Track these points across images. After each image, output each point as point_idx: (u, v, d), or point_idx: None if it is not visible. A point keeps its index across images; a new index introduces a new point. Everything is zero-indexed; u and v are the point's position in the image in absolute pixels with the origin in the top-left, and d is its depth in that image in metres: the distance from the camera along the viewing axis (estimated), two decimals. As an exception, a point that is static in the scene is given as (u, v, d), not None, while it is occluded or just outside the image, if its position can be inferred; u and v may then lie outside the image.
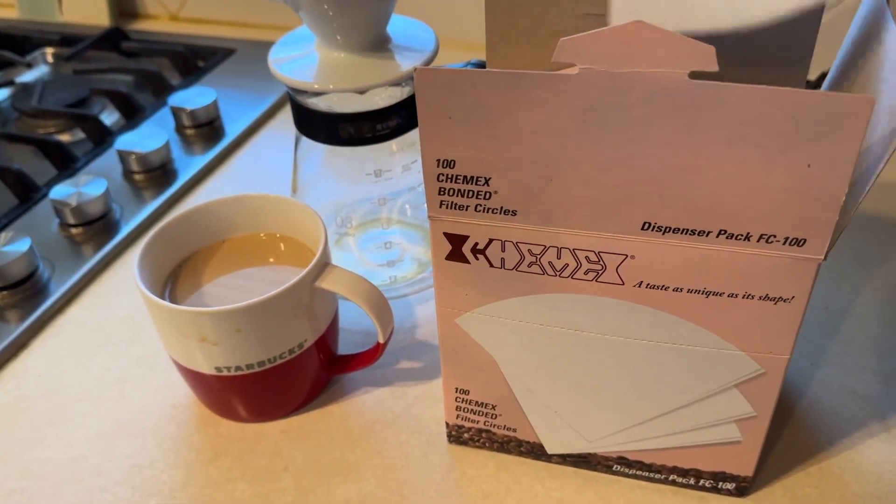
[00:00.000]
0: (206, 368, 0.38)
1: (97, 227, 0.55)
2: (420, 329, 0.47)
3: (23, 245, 0.50)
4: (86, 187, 0.55)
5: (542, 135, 0.27)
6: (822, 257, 0.28)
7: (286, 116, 0.69)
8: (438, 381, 0.43)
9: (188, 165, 0.61)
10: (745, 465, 0.36)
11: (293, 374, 0.40)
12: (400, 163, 0.46)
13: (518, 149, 0.28)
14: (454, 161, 0.29)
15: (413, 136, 0.46)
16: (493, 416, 0.38)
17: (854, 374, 0.42)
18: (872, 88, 0.30)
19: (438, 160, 0.29)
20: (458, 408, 0.38)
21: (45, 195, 0.58)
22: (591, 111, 0.26)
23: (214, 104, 0.65)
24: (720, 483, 0.37)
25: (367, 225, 0.50)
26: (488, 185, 0.29)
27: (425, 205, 0.50)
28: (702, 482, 0.37)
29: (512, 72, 0.26)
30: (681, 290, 0.30)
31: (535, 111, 0.26)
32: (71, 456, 0.41)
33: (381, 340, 0.40)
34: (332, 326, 0.42)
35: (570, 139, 0.27)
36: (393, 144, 0.46)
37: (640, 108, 0.26)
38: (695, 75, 0.25)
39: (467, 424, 0.39)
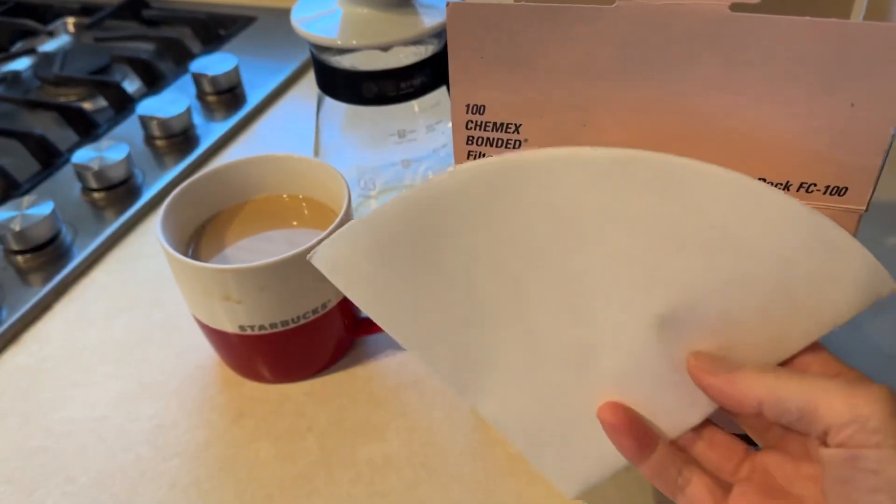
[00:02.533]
0: (230, 327, 0.38)
1: (119, 191, 0.55)
2: (444, 293, 0.46)
3: (45, 208, 0.50)
4: (108, 152, 0.55)
5: (578, 75, 0.26)
6: (864, 208, 0.27)
7: (307, 85, 0.68)
8: (463, 345, 0.43)
9: (210, 132, 0.60)
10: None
11: (316, 334, 0.39)
12: (424, 123, 0.45)
13: (552, 91, 0.27)
14: (484, 107, 0.28)
15: (436, 96, 0.45)
16: None
17: (888, 337, 0.41)
18: None
19: (468, 105, 0.28)
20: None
21: (67, 161, 0.58)
22: (629, 48, 0.25)
23: (236, 70, 0.64)
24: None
25: (390, 191, 0.49)
26: (518, 133, 0.28)
27: (447, 169, 0.49)
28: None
29: (550, 6, 0.25)
30: (717, 242, 0.29)
31: (572, 49, 0.25)
32: (94, 416, 0.41)
33: (406, 301, 0.40)
34: (356, 288, 0.41)
35: (606, 79, 0.26)
36: (415, 105, 0.45)
37: (681, 44, 0.25)
38: (736, 8, 0.24)
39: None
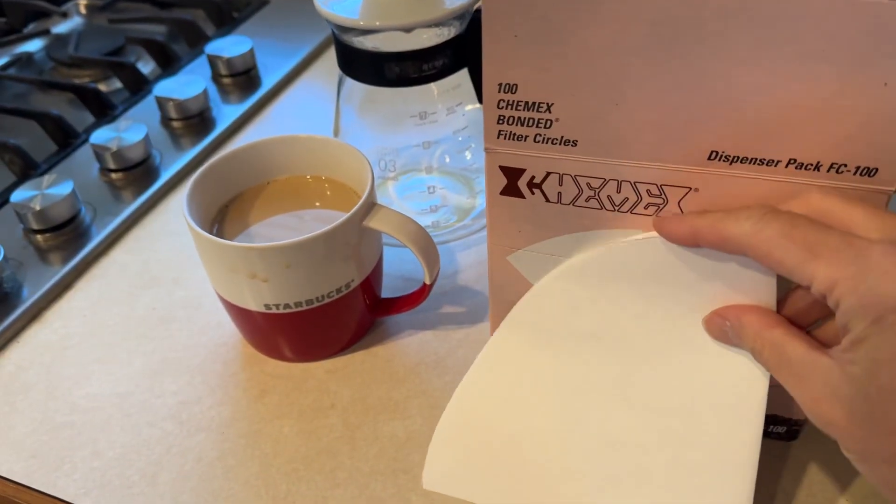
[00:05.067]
0: (255, 306, 0.38)
1: (137, 172, 0.55)
2: (462, 275, 0.47)
3: (65, 188, 0.50)
4: (126, 133, 0.55)
5: (610, 53, 0.26)
6: (894, 189, 0.27)
7: (322, 67, 0.68)
8: (482, 325, 0.43)
9: (226, 114, 0.61)
10: (797, 409, 0.35)
11: (340, 313, 0.40)
12: (444, 105, 0.46)
13: (584, 69, 0.27)
14: (516, 85, 0.28)
15: (457, 78, 0.45)
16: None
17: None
18: None
19: (500, 84, 0.28)
20: (505, 348, 0.38)
21: (85, 141, 0.58)
22: (661, 26, 0.25)
23: (251, 53, 0.65)
24: (771, 427, 0.36)
25: (408, 172, 0.50)
26: (550, 112, 0.28)
27: (465, 152, 0.50)
28: (752, 425, 0.37)
29: (583, -17, 0.25)
30: (744, 223, 0.29)
31: (605, 26, 0.26)
32: (118, 392, 0.41)
33: (428, 281, 0.40)
34: (378, 268, 0.41)
35: (638, 57, 0.26)
36: (435, 88, 0.46)
37: (713, 22, 0.25)
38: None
39: (514, 366, 0.39)
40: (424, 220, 0.48)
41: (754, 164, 0.28)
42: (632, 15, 0.25)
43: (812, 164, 0.27)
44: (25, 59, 0.73)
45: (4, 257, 0.47)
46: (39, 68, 0.72)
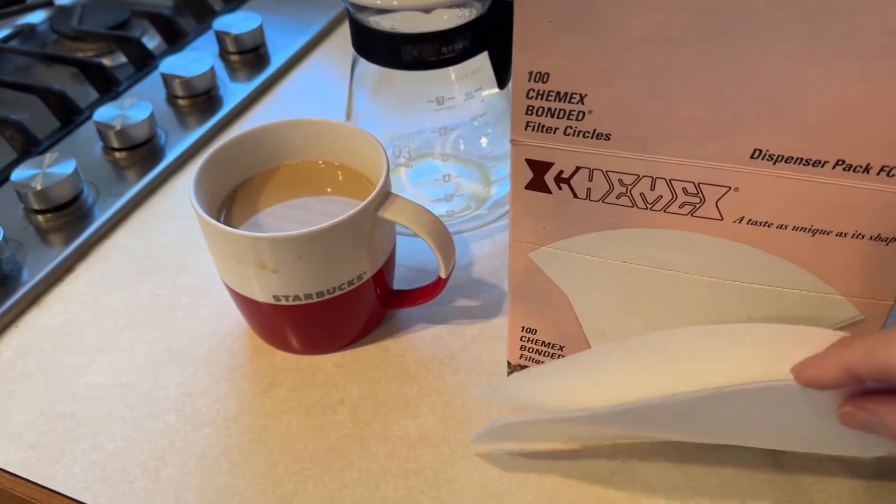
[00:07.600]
0: (263, 297, 0.36)
1: (142, 151, 0.53)
2: (477, 267, 0.45)
3: (67, 167, 0.49)
4: (130, 110, 0.53)
5: (653, 42, 0.24)
6: (947, 194, 0.26)
7: (333, 45, 0.66)
8: (497, 321, 0.42)
9: (233, 92, 0.59)
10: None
11: (351, 306, 0.38)
12: (462, 90, 0.44)
13: (622, 59, 0.25)
14: (548, 74, 0.26)
15: (475, 63, 0.43)
16: (560, 358, 0.36)
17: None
18: None
19: (531, 73, 0.26)
20: (522, 347, 0.37)
21: (88, 118, 0.56)
22: (709, 15, 0.23)
23: (260, 29, 0.62)
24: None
25: (421, 158, 0.48)
26: (583, 104, 0.27)
27: (482, 139, 0.48)
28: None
29: (628, -33, 0.23)
30: (785, 227, 0.28)
31: (648, 14, 0.24)
32: (120, 382, 0.40)
33: (443, 275, 0.38)
34: (391, 259, 0.40)
35: (681, 48, 0.24)
36: (453, 72, 0.44)
37: (766, 12, 0.23)
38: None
39: (532, 365, 0.37)
40: (438, 209, 0.47)
41: (800, 164, 0.26)
42: (677, 2, 0.24)
43: (861, 166, 0.25)
44: (28, 31, 0.71)
45: (4, 238, 0.46)
46: (42, 41, 0.70)
